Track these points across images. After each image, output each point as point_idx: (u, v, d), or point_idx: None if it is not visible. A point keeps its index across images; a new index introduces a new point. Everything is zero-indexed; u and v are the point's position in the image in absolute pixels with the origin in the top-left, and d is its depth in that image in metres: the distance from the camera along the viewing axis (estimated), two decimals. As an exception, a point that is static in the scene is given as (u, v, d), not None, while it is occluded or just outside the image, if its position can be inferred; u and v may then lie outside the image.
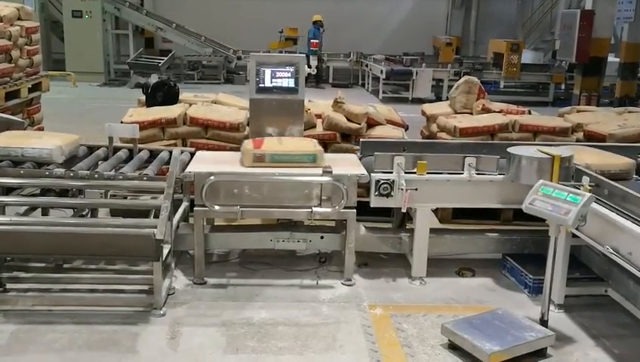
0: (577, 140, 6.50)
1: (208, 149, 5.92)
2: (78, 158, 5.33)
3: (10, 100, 7.08)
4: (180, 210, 5.06)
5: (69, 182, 4.80)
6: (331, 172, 4.82)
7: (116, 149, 5.52)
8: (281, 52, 16.98)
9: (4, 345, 3.96)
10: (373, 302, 4.72)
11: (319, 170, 4.84)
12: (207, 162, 5.14)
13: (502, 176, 4.94)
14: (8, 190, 4.80)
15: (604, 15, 14.35)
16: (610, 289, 4.69)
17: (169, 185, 4.66)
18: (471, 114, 7.19)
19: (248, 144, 5.10)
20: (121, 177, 4.85)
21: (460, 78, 8.03)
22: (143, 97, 6.98)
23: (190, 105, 6.65)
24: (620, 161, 5.29)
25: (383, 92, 16.56)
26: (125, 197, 5.54)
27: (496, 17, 22.88)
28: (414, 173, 4.92)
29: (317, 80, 17.78)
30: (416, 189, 4.84)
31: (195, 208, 4.84)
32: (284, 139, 5.42)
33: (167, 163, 5.27)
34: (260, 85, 5.54)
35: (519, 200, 4.32)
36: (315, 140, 5.46)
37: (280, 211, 4.96)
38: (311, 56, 14.69)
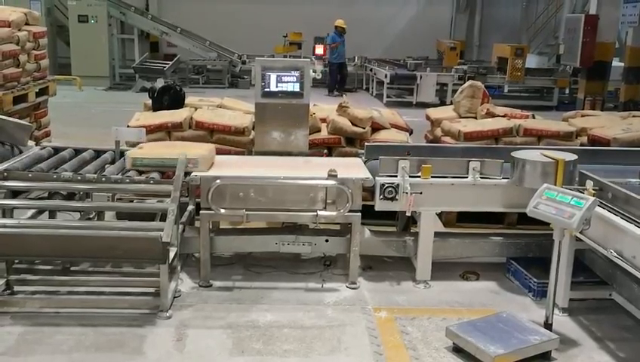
0: (582, 144, 6.51)
1: (214, 153, 5.95)
2: (85, 162, 5.37)
3: (18, 104, 7.13)
4: (186, 213, 5.09)
5: (76, 185, 4.84)
6: (336, 175, 4.84)
7: (123, 153, 5.55)
8: (285, 56, 17.01)
9: (12, 346, 4.00)
10: (377, 305, 4.74)
11: (324, 174, 4.86)
12: (212, 165, 5.17)
13: (506, 179, 4.95)
14: (16, 193, 4.84)
15: (608, 19, 14.34)
16: (615, 293, 4.70)
17: (175, 189, 4.70)
18: (475, 118, 7.20)
19: None
20: (127, 180, 4.89)
21: (464, 83, 8.05)
22: (149, 101, 7.03)
23: (196, 109, 6.70)
24: None
25: (387, 96, 16.56)
26: (132, 201, 5.57)
27: (501, 21, 22.85)
28: (419, 176, 4.94)
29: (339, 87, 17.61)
30: (420, 193, 4.86)
31: (200, 211, 4.88)
32: None
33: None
34: (266, 89, 5.59)
35: (523, 203, 4.35)
36: None
37: (285, 214, 4.99)
38: (316, 61, 14.67)
